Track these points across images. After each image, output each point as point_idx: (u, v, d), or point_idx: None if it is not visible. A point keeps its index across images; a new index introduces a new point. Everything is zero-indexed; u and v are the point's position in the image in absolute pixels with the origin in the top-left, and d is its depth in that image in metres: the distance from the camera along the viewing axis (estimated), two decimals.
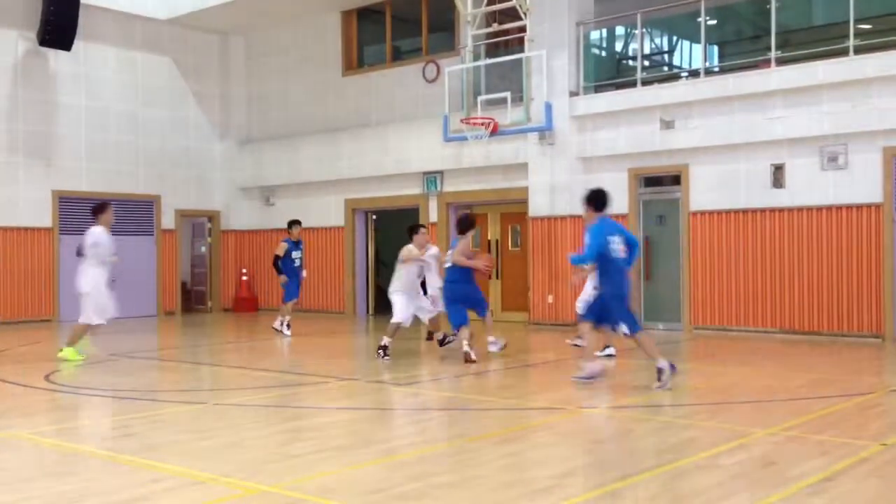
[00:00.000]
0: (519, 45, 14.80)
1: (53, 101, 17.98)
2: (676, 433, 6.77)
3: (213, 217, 20.81)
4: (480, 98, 14.89)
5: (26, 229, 17.57)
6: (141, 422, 7.38)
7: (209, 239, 20.88)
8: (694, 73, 14.76)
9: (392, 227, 20.67)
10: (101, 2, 18.17)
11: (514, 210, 16.45)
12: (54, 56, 17.84)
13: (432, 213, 17.57)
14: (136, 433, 6.90)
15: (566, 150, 15.04)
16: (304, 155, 19.40)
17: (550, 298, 15.10)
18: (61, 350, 11.12)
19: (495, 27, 14.97)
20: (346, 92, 19.06)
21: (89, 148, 18.45)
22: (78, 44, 17.76)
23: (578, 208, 14.99)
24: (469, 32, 15.08)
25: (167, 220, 19.74)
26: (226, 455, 6.11)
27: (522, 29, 14.56)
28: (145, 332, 15.93)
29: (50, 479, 5.53)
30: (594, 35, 15.84)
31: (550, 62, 14.50)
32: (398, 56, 19.18)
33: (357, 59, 19.42)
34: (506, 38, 15.37)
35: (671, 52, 16.86)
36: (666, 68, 16.58)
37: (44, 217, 17.75)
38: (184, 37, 20.02)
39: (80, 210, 18.23)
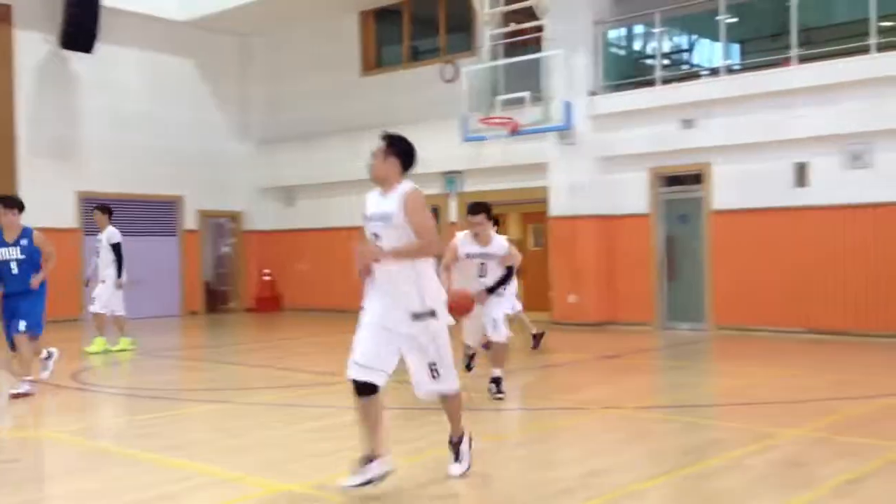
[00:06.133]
0: (537, 44, 14.75)
1: (75, 104, 18.11)
2: (701, 434, 6.74)
3: (234, 217, 20.92)
4: (499, 98, 14.86)
5: (51, 230, 17.66)
6: (165, 420, 7.43)
7: (232, 239, 21.00)
8: (714, 72, 14.67)
9: None
10: (121, 4, 18.27)
11: (534, 210, 16.40)
12: (76, 58, 17.98)
13: (452, 213, 17.56)
14: (161, 432, 6.94)
15: (586, 149, 14.98)
16: (324, 155, 19.42)
17: (572, 298, 15.05)
18: None
19: (513, 27, 14.94)
20: (365, 92, 19.08)
21: (111, 149, 18.56)
22: (99, 46, 17.90)
23: (599, 208, 15.08)
24: (487, 32, 15.05)
25: (189, 221, 19.86)
26: (250, 453, 6.14)
27: (540, 28, 14.51)
28: (169, 331, 16.03)
29: (74, 476, 5.58)
30: (613, 34, 15.77)
31: (569, 61, 14.45)
32: (416, 56, 19.19)
33: (375, 60, 19.45)
34: (524, 37, 15.33)
35: (690, 50, 16.76)
36: (686, 67, 16.49)
37: (68, 218, 17.89)
38: (203, 39, 20.12)
39: None
